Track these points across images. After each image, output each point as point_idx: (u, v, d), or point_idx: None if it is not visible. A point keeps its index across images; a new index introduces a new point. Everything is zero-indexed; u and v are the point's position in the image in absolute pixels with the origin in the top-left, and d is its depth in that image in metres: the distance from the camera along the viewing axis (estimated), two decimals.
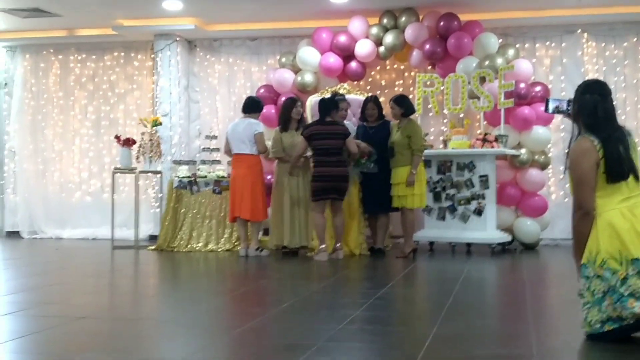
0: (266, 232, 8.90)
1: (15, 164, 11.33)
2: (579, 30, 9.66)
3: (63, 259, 8.56)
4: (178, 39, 10.46)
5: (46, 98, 11.30)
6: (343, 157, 7.91)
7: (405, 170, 7.89)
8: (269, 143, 8.52)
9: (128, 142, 9.36)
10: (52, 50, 11.26)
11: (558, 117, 9.12)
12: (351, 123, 8.56)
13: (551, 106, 4.23)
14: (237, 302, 5.62)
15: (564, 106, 4.18)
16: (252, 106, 8.57)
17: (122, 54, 11.10)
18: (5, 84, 11.45)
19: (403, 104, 8.11)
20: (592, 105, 3.77)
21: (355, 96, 9.14)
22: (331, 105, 7.98)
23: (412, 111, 8.24)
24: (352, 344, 3.89)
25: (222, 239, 9.00)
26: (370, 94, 8.98)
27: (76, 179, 11.22)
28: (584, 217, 3.73)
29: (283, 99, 9.42)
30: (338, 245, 8.01)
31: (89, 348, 3.75)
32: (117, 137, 9.46)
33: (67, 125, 11.26)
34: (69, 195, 11.21)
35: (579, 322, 3.79)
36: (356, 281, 6.77)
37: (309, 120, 9.13)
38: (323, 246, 7.88)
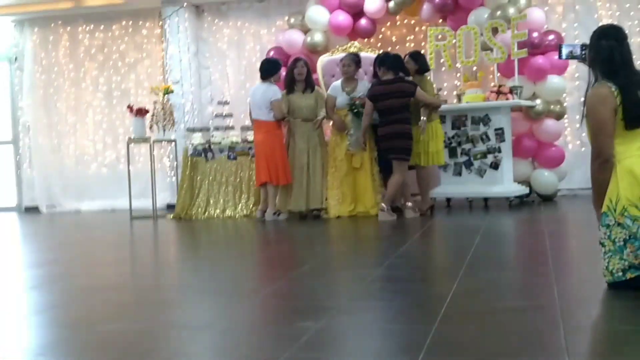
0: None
1: (30, 139, 11.37)
2: None
3: (83, 232, 8.63)
4: (185, 4, 10.38)
5: (57, 71, 11.29)
6: (404, 115, 7.67)
7: (417, 128, 7.82)
8: None
9: (141, 112, 9.35)
10: (60, 22, 11.22)
11: (573, 65, 9.01)
12: (365, 81, 8.49)
13: (564, 52, 4.16)
14: (257, 266, 5.65)
15: (578, 51, 4.11)
16: (267, 69, 8.44)
17: (130, 22, 11.05)
18: (16, 58, 11.44)
19: (419, 60, 8.02)
20: (609, 51, 3.69)
21: (367, 54, 9.04)
22: (398, 62, 7.78)
23: (427, 69, 8.14)
24: (374, 302, 3.90)
25: (240, 205, 9.01)
26: (381, 51, 8.89)
27: (91, 151, 11.26)
28: (602, 164, 3.69)
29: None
30: (408, 203, 7.90)
31: (114, 317, 3.78)
32: (130, 107, 9.45)
33: (79, 98, 11.26)
34: (85, 168, 11.26)
35: (601, 271, 3.77)
36: (375, 240, 6.78)
37: (321, 80, 9.06)
38: (383, 205, 7.72)
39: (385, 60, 7.76)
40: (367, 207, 8.24)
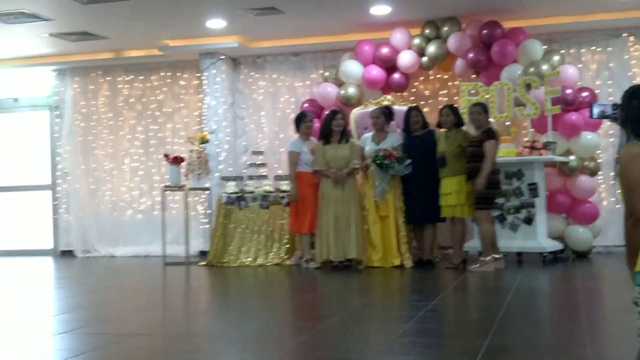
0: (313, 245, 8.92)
1: (67, 185, 11.58)
2: (625, 34, 9.51)
3: (116, 277, 8.72)
4: (223, 57, 10.60)
5: (96, 119, 11.54)
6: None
7: (459, 180, 7.79)
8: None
9: (177, 160, 9.50)
10: (100, 72, 11.51)
11: (606, 122, 8.97)
12: (396, 134, 8.56)
13: (596, 111, 4.19)
14: (288, 316, 5.66)
15: (609, 110, 4.14)
16: (295, 123, 8.82)
17: (169, 73, 11.28)
18: (57, 106, 11.73)
19: (457, 113, 8.10)
20: (639, 111, 3.70)
21: (400, 107, 9.13)
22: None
23: (463, 123, 8.19)
24: (403, 357, 3.89)
25: (271, 253, 9.05)
26: (412, 104, 8.97)
27: (127, 198, 11.42)
28: (636, 224, 3.66)
29: (327, 112, 9.51)
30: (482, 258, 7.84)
31: None
32: (166, 156, 9.61)
33: (117, 145, 11.47)
34: (120, 214, 11.41)
35: (634, 330, 3.72)
36: (406, 293, 6.75)
37: (354, 132, 9.16)
38: (489, 258, 7.71)
39: None
40: (391, 257, 8.24)
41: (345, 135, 8.49)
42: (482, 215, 7.79)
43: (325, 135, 8.48)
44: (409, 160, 8.17)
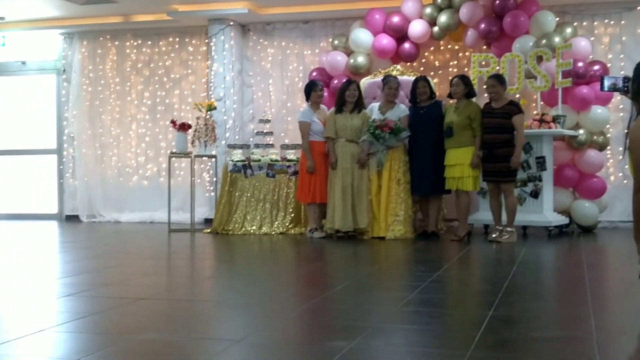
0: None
1: (74, 149, 11.58)
2: (639, 7, 9.39)
3: (121, 242, 8.74)
4: (232, 23, 10.52)
5: (103, 84, 11.50)
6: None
7: (465, 152, 7.79)
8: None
9: (184, 127, 9.47)
10: (108, 37, 11.45)
11: (617, 97, 8.91)
12: (403, 105, 8.50)
13: (607, 84, 4.14)
14: (292, 283, 5.66)
15: (620, 83, 4.08)
16: (305, 92, 8.76)
17: (177, 39, 11.22)
18: (64, 70, 11.68)
19: (468, 84, 8.01)
20: None
21: (409, 77, 9.05)
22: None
23: (474, 94, 8.12)
24: (408, 326, 3.89)
25: (276, 222, 9.06)
26: (420, 75, 8.89)
27: (133, 164, 11.42)
28: None
29: (335, 81, 9.46)
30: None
31: (148, 328, 3.82)
32: (173, 122, 9.58)
33: (124, 111, 11.45)
34: (126, 180, 11.42)
35: (639, 304, 3.71)
36: (411, 264, 6.75)
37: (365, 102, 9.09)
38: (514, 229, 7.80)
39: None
40: (379, 228, 8.24)
41: (358, 105, 8.42)
42: (510, 188, 7.77)
43: (339, 105, 8.44)
44: (406, 132, 8.11)
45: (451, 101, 8.22)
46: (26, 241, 8.92)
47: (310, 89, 8.69)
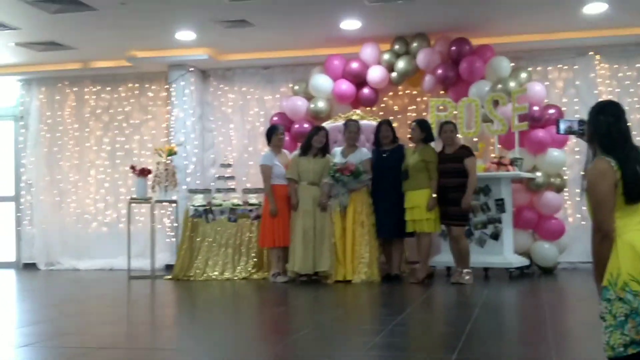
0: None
1: (31, 196, 11.39)
2: (591, 52, 9.65)
3: (80, 290, 8.58)
4: (192, 69, 10.54)
5: (62, 130, 11.39)
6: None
7: (421, 194, 7.86)
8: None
9: (143, 172, 9.41)
10: (67, 83, 11.38)
11: (573, 139, 9.09)
12: (365, 148, 8.58)
13: (562, 127, 4.22)
14: (255, 330, 5.60)
15: (576, 126, 4.16)
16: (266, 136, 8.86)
17: (137, 85, 11.19)
18: (21, 116, 11.56)
19: (425, 128, 8.12)
20: (606, 127, 3.74)
21: (368, 122, 9.15)
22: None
23: (432, 139, 8.22)
24: None
25: (239, 267, 8.98)
26: (383, 119, 8.99)
27: (92, 210, 11.27)
28: (603, 239, 3.69)
29: (296, 126, 9.53)
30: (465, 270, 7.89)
31: None
32: (133, 167, 9.51)
33: (82, 157, 11.33)
34: (85, 226, 11.25)
35: (601, 345, 3.74)
36: (374, 307, 6.73)
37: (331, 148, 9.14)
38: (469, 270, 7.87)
39: None
40: (345, 272, 8.24)
41: (323, 150, 8.49)
42: (461, 232, 7.86)
43: (304, 148, 8.50)
44: (366, 175, 8.21)
45: (410, 145, 8.32)
46: None
47: (272, 133, 8.73)
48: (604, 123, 3.81)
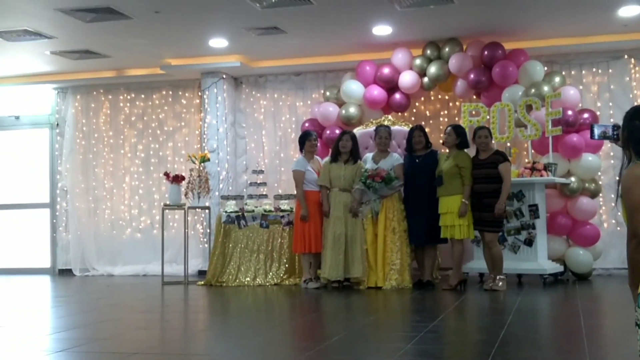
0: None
1: (67, 203, 11.55)
2: (626, 56, 9.53)
3: (114, 296, 8.67)
4: (224, 76, 10.62)
5: (97, 137, 11.54)
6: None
7: (454, 200, 7.83)
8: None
9: (177, 179, 9.49)
10: (102, 91, 11.53)
11: (607, 144, 8.98)
12: (396, 154, 8.56)
13: (597, 132, 4.16)
14: (287, 336, 5.61)
15: (610, 131, 4.10)
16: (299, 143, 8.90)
17: (170, 92, 11.31)
18: (57, 124, 11.74)
19: (460, 134, 8.07)
20: None
21: (400, 127, 9.13)
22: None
23: (467, 145, 8.16)
24: None
25: (270, 273, 9.01)
26: (416, 124, 8.95)
27: (126, 216, 11.39)
28: (638, 245, 3.64)
29: (328, 132, 9.53)
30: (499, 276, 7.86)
31: None
32: (167, 174, 9.61)
33: (117, 164, 11.47)
34: (119, 233, 11.38)
35: (636, 352, 3.69)
36: (406, 314, 6.70)
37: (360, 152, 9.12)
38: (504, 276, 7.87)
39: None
40: (377, 279, 8.22)
41: (353, 155, 8.48)
42: (494, 237, 7.81)
43: (334, 155, 8.52)
44: (398, 182, 8.18)
45: (444, 150, 8.28)
46: (18, 296, 8.84)
47: (305, 139, 8.75)
48: (639, 127, 3.74)
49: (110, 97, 11.54)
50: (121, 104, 11.50)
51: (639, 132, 3.74)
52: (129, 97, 11.48)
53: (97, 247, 11.37)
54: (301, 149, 8.81)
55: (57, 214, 11.68)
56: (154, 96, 11.38)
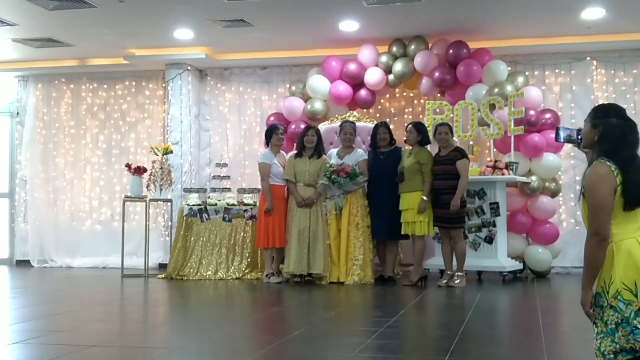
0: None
1: (26, 193, 11.37)
2: (588, 58, 9.67)
3: (73, 288, 8.56)
4: (189, 68, 10.53)
5: (57, 127, 11.37)
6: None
7: (415, 196, 7.88)
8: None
9: (139, 171, 9.40)
10: (63, 80, 11.36)
11: (568, 145, 9.09)
12: (361, 150, 8.59)
13: (562, 135, 4.20)
14: (247, 330, 5.60)
15: (574, 135, 4.14)
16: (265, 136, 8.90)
17: (134, 83, 11.17)
18: (17, 112, 11.54)
19: (422, 131, 8.13)
20: (620, 130, 3.68)
21: (365, 123, 9.15)
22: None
23: (428, 142, 8.22)
24: None
25: (232, 267, 8.97)
26: (380, 121, 8.99)
27: (87, 208, 11.24)
28: (600, 243, 3.65)
29: (293, 126, 9.52)
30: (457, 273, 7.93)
31: None
32: (128, 166, 9.50)
33: (78, 154, 11.31)
34: (79, 224, 11.22)
35: (592, 351, 3.74)
36: (367, 309, 6.73)
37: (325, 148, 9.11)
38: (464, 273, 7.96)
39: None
40: (339, 274, 8.24)
41: (317, 150, 8.48)
42: (458, 233, 7.86)
43: (299, 149, 8.51)
44: (363, 177, 8.23)
45: (407, 147, 8.33)
46: None
47: (272, 133, 8.73)
48: (615, 125, 3.71)
49: (72, 86, 11.37)
50: (83, 94, 11.34)
51: (616, 129, 3.74)
52: (91, 86, 11.32)
53: (56, 238, 11.21)
54: (267, 143, 8.79)
55: (16, 204, 11.48)
56: (117, 86, 11.23)
